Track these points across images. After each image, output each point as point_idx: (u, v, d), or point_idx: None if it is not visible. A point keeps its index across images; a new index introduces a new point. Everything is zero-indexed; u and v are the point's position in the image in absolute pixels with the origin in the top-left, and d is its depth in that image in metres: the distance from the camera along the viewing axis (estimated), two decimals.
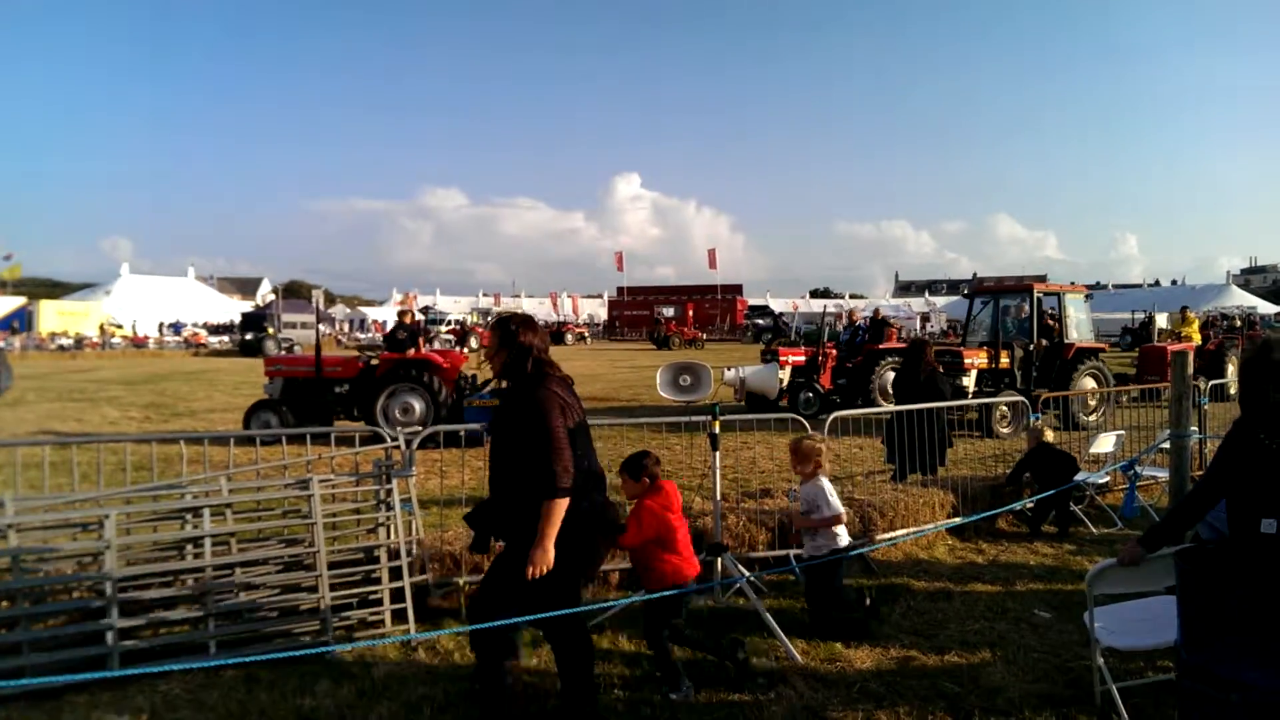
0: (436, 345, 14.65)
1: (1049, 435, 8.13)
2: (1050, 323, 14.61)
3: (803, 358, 16.49)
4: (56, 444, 6.12)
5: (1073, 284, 15.90)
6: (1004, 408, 13.04)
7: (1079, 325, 14.79)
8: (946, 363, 14.33)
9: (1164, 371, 16.83)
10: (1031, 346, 14.29)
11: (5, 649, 4.30)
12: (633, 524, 4.42)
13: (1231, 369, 18.00)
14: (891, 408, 9.59)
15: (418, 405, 13.07)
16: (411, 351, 13.48)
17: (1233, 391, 15.58)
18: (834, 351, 17.20)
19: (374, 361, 13.54)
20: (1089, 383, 14.28)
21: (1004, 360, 14.31)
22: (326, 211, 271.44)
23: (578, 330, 63.91)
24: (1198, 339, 19.85)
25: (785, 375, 16.01)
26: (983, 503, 7.63)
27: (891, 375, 16.12)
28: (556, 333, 60.45)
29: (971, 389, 14.11)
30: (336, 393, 13.36)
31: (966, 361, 14.43)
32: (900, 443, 8.18)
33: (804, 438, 5.60)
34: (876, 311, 19.92)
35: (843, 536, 5.32)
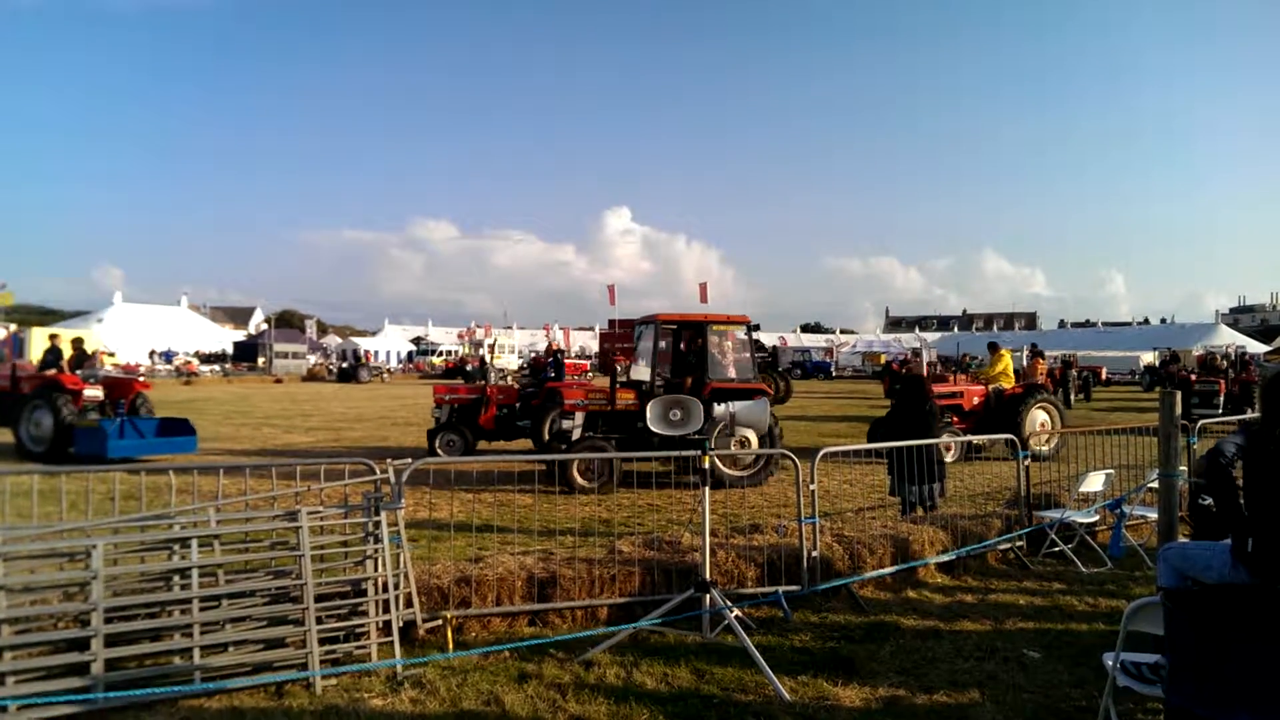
0: (84, 370, 16.20)
1: None
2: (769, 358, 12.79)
3: (469, 396, 14.78)
4: (45, 473, 6.07)
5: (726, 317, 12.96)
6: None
7: (736, 363, 12.70)
8: (558, 401, 12.67)
9: None
10: (659, 386, 12.44)
11: None
12: None
13: (1043, 417, 15.39)
14: (876, 444, 9.62)
15: (45, 421, 14.30)
16: (52, 372, 15.18)
17: (1040, 449, 13.73)
18: (514, 388, 15.50)
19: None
20: (743, 432, 11.75)
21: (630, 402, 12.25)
22: (318, 242, 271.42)
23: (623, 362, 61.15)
24: (1009, 381, 16.28)
25: (443, 414, 14.37)
26: (973, 539, 7.64)
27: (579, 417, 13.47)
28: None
29: (577, 432, 12.06)
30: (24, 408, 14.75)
31: (568, 403, 12.28)
32: (906, 476, 8.28)
33: None
34: (551, 344, 18.06)
35: None
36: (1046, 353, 35.95)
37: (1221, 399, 24.05)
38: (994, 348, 17.20)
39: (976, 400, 15.73)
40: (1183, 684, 3.25)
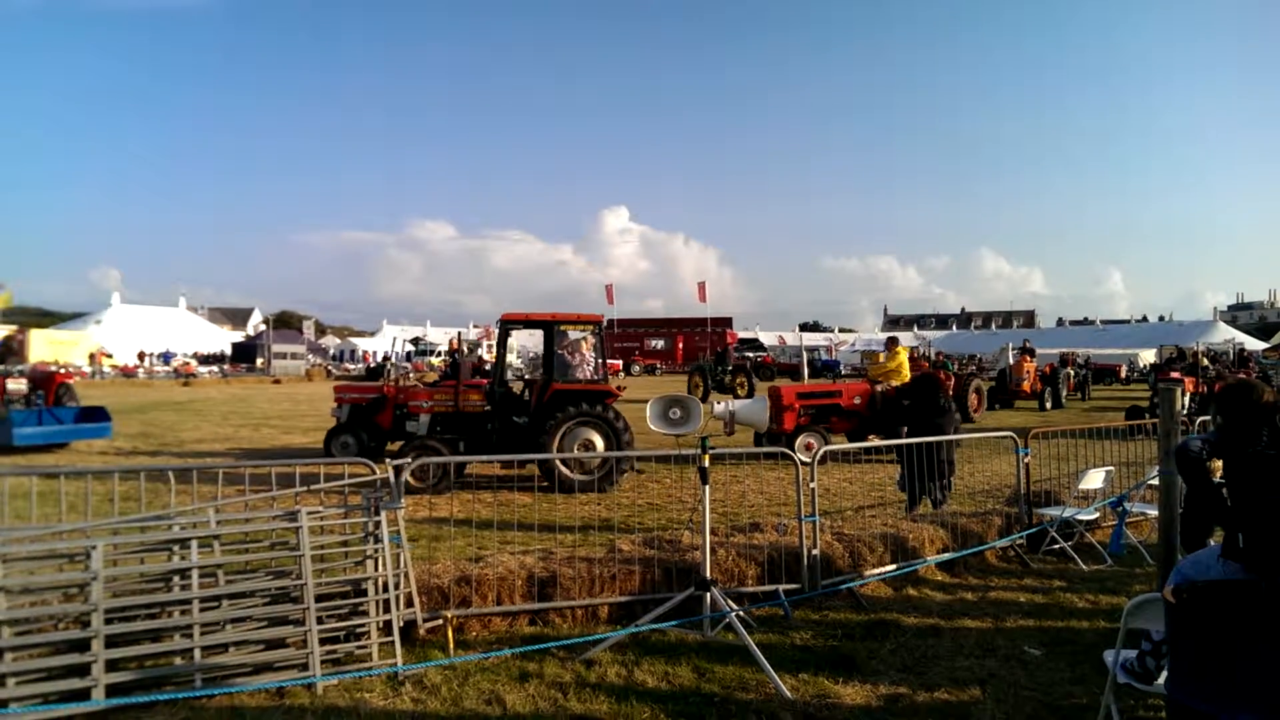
0: (4, 365, 18.21)
1: None
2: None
3: (367, 395, 13.73)
4: (44, 474, 6.08)
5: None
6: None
7: (587, 363, 12.36)
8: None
9: (787, 419, 14.04)
10: (510, 384, 12.31)
11: None
12: None
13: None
14: (880, 441, 9.64)
15: None
16: None
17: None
18: (415, 387, 14.72)
19: None
20: (587, 435, 11.55)
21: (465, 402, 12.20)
22: (316, 242, 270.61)
23: (647, 363, 66.97)
24: (904, 376, 14.70)
25: (342, 414, 13.40)
26: (973, 537, 7.64)
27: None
28: (627, 362, 63.30)
29: (422, 432, 12.11)
30: None
31: (411, 404, 12.45)
32: (920, 473, 8.31)
33: None
34: (453, 341, 16.89)
35: None
36: (1047, 351, 35.94)
37: (1187, 398, 23.57)
38: (892, 343, 16.09)
39: (858, 400, 14.54)
40: (1184, 680, 3.24)
